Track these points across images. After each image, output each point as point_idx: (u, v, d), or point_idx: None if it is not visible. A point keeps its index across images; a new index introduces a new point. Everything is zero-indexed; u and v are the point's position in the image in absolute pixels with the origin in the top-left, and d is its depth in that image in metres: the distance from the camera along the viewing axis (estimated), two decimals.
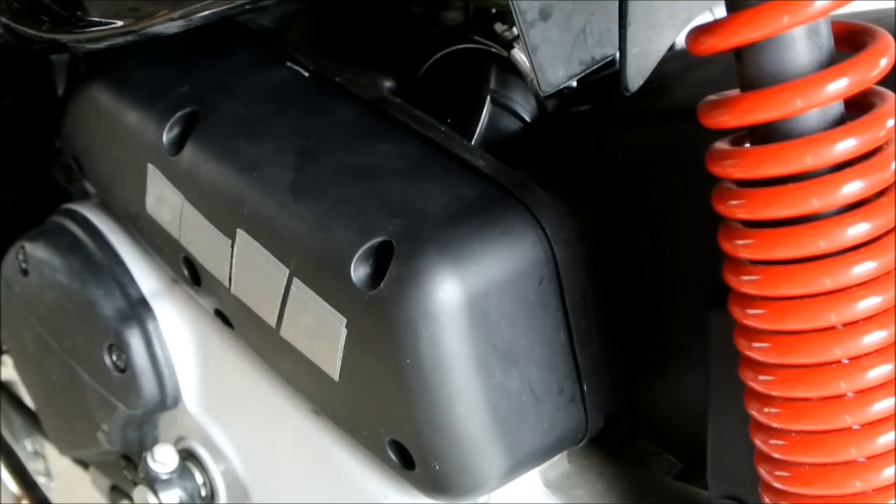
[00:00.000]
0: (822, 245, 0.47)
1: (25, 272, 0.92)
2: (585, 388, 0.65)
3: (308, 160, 0.66)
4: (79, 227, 0.89)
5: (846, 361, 0.48)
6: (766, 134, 0.49)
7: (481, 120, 0.73)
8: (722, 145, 0.51)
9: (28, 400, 1.12)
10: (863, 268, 0.47)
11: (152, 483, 0.82)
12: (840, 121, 0.49)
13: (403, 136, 0.68)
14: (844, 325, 0.48)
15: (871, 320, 0.48)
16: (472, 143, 0.73)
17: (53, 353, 0.92)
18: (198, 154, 0.72)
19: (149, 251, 0.85)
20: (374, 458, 0.69)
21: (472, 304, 0.59)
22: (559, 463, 0.72)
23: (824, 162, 0.47)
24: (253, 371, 0.78)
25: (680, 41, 0.56)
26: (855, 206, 0.48)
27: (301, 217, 0.65)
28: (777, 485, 0.52)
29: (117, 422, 0.88)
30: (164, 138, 0.74)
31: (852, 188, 0.47)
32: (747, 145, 0.51)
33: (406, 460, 0.64)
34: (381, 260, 0.60)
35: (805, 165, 0.47)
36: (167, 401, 0.85)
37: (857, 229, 0.47)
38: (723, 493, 0.61)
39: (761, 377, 0.50)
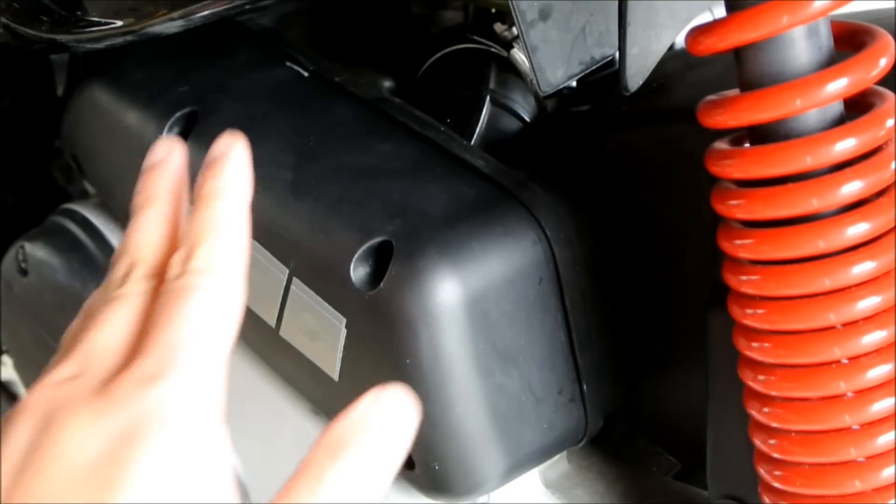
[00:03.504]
0: (821, 245, 0.47)
1: (25, 272, 0.92)
2: (585, 388, 0.65)
3: (308, 160, 0.66)
4: (79, 226, 0.89)
5: (846, 361, 0.48)
6: (765, 134, 0.49)
7: (481, 120, 0.73)
8: (721, 145, 0.51)
9: None
10: (862, 268, 0.47)
11: None
12: (839, 121, 0.49)
13: (403, 136, 0.68)
14: (844, 324, 0.48)
15: (871, 320, 0.48)
16: (472, 143, 0.73)
17: (53, 353, 0.91)
18: (197, 154, 0.72)
19: None
20: None
21: (472, 304, 0.59)
22: (559, 463, 0.72)
23: (824, 162, 0.47)
24: (252, 371, 0.78)
25: (680, 41, 0.56)
26: (854, 206, 0.48)
27: (301, 217, 0.65)
28: (777, 485, 0.52)
29: None
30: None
31: (852, 188, 0.47)
32: (747, 145, 0.51)
33: (406, 460, 0.64)
34: (380, 260, 0.60)
35: (804, 165, 0.47)
36: None
37: (857, 229, 0.47)
38: (722, 493, 0.61)
39: (761, 377, 0.50)
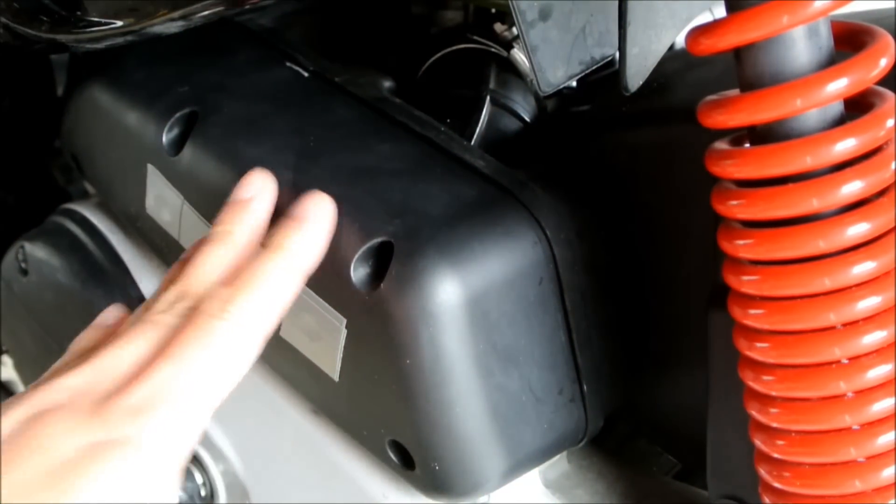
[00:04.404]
0: (821, 245, 0.47)
1: (25, 272, 0.92)
2: (585, 388, 0.65)
3: (308, 160, 0.66)
4: (78, 227, 0.89)
5: (846, 361, 0.48)
6: (765, 134, 0.49)
7: (481, 120, 0.73)
8: (721, 145, 0.51)
9: None
10: (862, 268, 0.47)
11: None
12: (840, 121, 0.49)
13: (403, 136, 0.68)
14: (844, 325, 0.48)
15: (871, 320, 0.48)
16: (472, 143, 0.73)
17: (53, 353, 0.91)
18: (197, 154, 0.72)
19: (149, 251, 0.85)
20: (374, 458, 0.69)
21: (472, 304, 0.59)
22: (559, 463, 0.72)
23: (824, 162, 0.47)
24: (253, 371, 0.78)
25: (680, 41, 0.56)
26: (855, 206, 0.48)
27: None
28: (777, 485, 0.52)
29: None
30: (164, 138, 0.74)
31: (852, 188, 0.47)
32: (747, 145, 0.51)
33: (406, 460, 0.64)
34: (381, 260, 0.60)
35: (805, 165, 0.47)
36: None
37: (857, 229, 0.47)
38: (722, 493, 0.61)
39: (761, 377, 0.50)
